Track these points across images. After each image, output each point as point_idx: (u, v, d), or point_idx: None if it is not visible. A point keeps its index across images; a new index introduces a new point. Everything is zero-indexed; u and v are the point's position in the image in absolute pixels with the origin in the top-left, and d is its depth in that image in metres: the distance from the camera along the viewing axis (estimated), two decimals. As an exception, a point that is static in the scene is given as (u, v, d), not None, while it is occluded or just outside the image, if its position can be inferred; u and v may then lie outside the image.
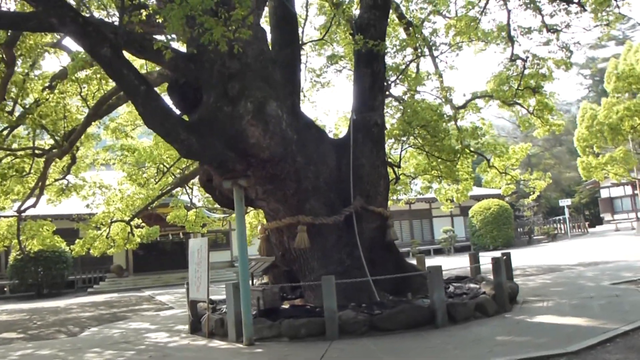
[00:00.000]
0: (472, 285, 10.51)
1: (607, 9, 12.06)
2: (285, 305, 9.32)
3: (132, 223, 19.18)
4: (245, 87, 7.52)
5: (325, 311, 7.74)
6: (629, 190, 37.43)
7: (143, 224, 20.41)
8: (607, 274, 13.12)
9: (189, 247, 9.80)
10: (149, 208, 18.89)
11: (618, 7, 11.70)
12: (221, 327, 8.64)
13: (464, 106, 15.05)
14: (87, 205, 19.18)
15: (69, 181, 18.59)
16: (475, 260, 11.87)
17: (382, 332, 7.70)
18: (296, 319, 8.00)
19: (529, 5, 11.31)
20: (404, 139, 12.07)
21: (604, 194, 41.00)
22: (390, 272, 9.59)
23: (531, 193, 19.42)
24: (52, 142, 16.45)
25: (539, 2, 10.77)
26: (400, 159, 13.13)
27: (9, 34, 8.53)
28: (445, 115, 12.69)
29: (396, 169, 12.72)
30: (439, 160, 12.96)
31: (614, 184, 37.46)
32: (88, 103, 13.01)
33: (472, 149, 14.26)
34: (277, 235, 9.79)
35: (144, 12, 7.94)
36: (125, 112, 16.60)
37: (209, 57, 7.65)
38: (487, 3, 13.15)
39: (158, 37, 9.66)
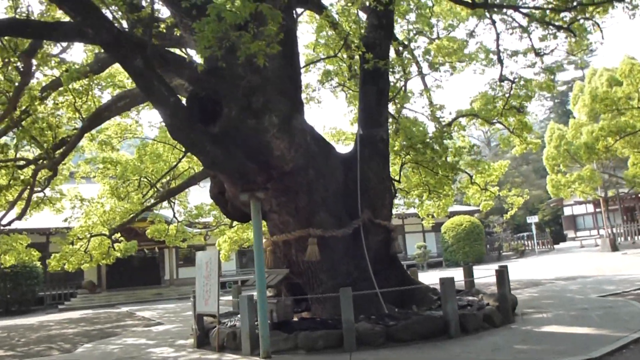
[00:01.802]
0: (470, 297, 10.79)
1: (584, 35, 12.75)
2: (294, 318, 9.34)
3: (108, 237, 18.80)
4: (269, 100, 7.65)
5: (344, 322, 7.83)
6: (590, 208, 39.04)
7: (122, 238, 19.96)
8: (589, 287, 13.67)
9: (196, 260, 9.73)
10: (135, 221, 18.54)
11: (601, 30, 12.34)
12: (233, 340, 8.59)
13: (450, 124, 15.54)
14: (66, 219, 18.71)
15: (45, 194, 18.07)
16: (469, 274, 12.21)
17: (398, 342, 7.84)
18: (312, 331, 8.06)
19: (520, 32, 11.83)
20: (404, 154, 12.37)
21: (567, 211, 42.61)
22: (393, 285, 9.80)
23: (509, 209, 20.07)
24: (28, 153, 16.08)
25: (529, 27, 11.31)
26: (400, 174, 13.45)
27: (8, 40, 8.29)
28: (443, 133, 13.08)
29: (395, 184, 13.00)
30: (436, 175, 13.32)
31: (577, 202, 38.99)
32: (81, 114, 12.78)
33: (459, 165, 14.72)
34: (284, 248, 9.84)
35: (162, 25, 7.99)
36: (114, 124, 16.35)
37: (230, 70, 7.74)
38: (476, 27, 13.71)
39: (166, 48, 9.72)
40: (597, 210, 37.88)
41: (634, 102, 16.23)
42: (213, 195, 9.57)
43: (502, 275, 9.45)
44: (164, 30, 7.76)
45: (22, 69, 8.95)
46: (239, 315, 10.41)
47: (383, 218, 10.09)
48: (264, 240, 11.50)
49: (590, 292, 12.62)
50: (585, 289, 13.28)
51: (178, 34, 8.38)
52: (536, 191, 40.21)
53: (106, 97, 15.41)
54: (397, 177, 13.01)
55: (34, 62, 9.24)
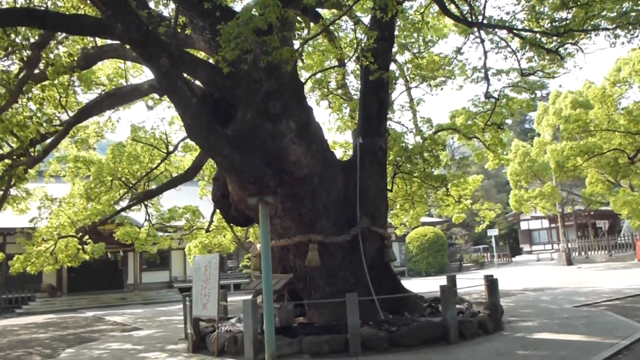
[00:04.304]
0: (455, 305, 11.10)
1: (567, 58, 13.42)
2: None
3: (78, 239, 18.26)
4: (286, 106, 7.72)
5: (350, 328, 7.95)
6: (546, 223, 40.78)
7: (89, 241, 19.36)
8: (560, 298, 14.29)
9: (194, 263, 9.62)
10: (108, 222, 18.06)
11: (579, 51, 12.93)
12: (234, 345, 8.54)
13: (432, 136, 15.97)
14: (33, 219, 18.02)
15: (10, 192, 17.36)
16: (452, 283, 12.54)
17: (401, 347, 8.03)
18: (317, 336, 8.13)
19: (507, 52, 12.34)
20: (400, 163, 12.65)
21: (524, 226, 44.30)
22: (386, 291, 9.99)
23: (480, 222, 20.74)
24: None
25: (523, 47, 11.80)
26: (393, 184, 13.71)
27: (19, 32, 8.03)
28: (437, 145, 13.47)
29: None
30: (422, 186, 13.67)
31: (534, 217, 40.62)
32: (66, 110, 12.41)
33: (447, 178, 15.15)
34: (280, 254, 9.87)
35: (179, 25, 7.94)
36: (94, 122, 15.91)
37: (246, 74, 7.77)
38: (463, 44, 14.19)
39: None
40: (552, 225, 39.63)
41: (603, 125, 17.25)
42: (215, 197, 9.50)
43: (492, 284, 9.82)
44: (179, 30, 7.70)
45: (28, 60, 8.63)
46: (232, 320, 10.40)
47: (379, 226, 10.29)
48: (258, 246, 11.50)
49: (563, 302, 13.20)
50: (557, 300, 13.88)
51: (188, 34, 8.33)
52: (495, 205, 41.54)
53: (81, 94, 15.08)
54: (389, 187, 13.27)
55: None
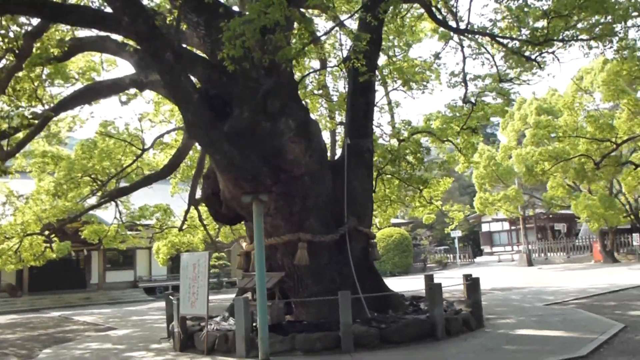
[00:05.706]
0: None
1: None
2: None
3: (46, 237, 17.76)
4: (285, 104, 7.75)
5: (342, 325, 8.06)
6: (506, 226, 42.07)
7: (55, 239, 18.79)
8: (529, 297, 14.84)
9: (181, 262, 9.52)
10: (77, 220, 17.57)
11: (555, 60, 13.47)
12: (225, 343, 8.51)
13: (407, 139, 16.28)
14: (-5, 216, 17.38)
15: (-31, 187, 16.76)
16: (431, 282, 12.84)
17: (392, 344, 8.20)
18: (309, 333, 8.21)
19: (485, 58, 12.75)
20: (383, 165, 12.86)
21: (485, 228, 45.56)
22: (370, 290, 10.17)
23: (449, 223, 21.25)
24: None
25: (507, 54, 12.18)
26: (375, 185, 13.89)
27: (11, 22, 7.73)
28: (420, 148, 13.77)
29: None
30: (403, 188, 13.93)
31: (494, 219, 41.85)
32: (42, 103, 12.03)
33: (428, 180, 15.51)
34: (268, 252, 9.85)
35: (169, 18, 7.89)
36: (67, 115, 15.44)
37: (243, 72, 7.77)
38: (442, 50, 14.55)
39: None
40: (513, 227, 40.91)
41: (570, 131, 18.02)
42: (206, 195, 9.42)
43: (474, 283, 10.14)
44: (174, 25, 7.61)
45: (19, 51, 8.31)
46: (216, 318, 10.33)
47: (365, 226, 10.46)
48: (244, 245, 11.47)
49: (533, 301, 13.72)
50: (527, 299, 14.40)
51: (185, 29, 8.25)
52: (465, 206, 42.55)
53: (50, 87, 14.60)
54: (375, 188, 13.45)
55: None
